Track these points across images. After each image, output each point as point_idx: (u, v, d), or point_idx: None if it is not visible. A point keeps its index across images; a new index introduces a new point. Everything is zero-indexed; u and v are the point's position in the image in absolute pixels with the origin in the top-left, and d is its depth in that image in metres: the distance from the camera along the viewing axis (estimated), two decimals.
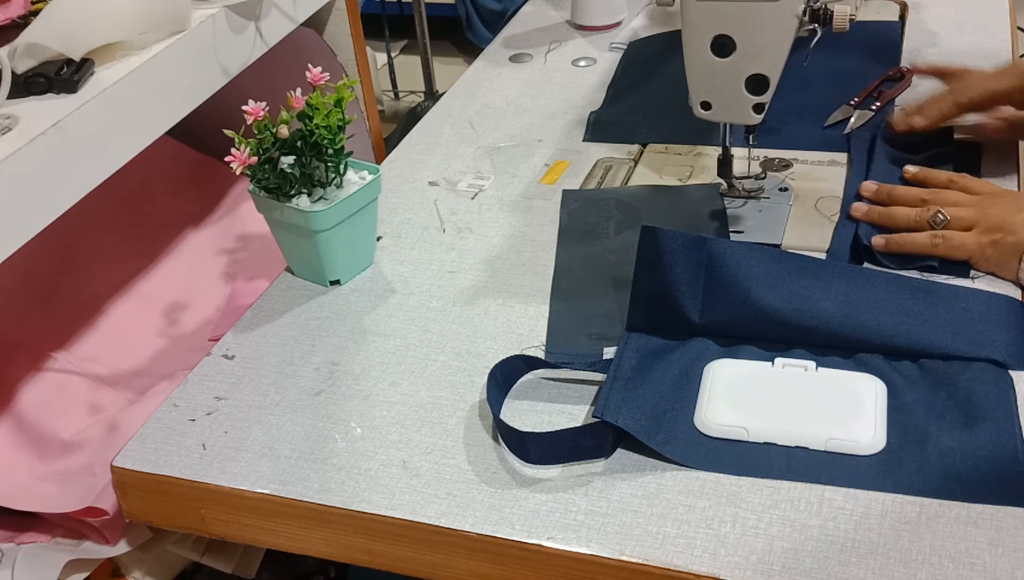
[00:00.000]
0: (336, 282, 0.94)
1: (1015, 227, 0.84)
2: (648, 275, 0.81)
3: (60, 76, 0.81)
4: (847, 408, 0.73)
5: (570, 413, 0.77)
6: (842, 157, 1.03)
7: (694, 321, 0.80)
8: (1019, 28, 1.31)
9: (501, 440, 0.75)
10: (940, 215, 0.87)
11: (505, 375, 0.80)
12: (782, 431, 0.72)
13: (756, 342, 0.80)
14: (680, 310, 0.80)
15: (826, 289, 0.81)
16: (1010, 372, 0.75)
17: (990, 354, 0.76)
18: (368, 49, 1.30)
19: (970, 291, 0.82)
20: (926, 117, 1.00)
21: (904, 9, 1.30)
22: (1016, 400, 0.72)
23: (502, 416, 0.77)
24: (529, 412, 0.78)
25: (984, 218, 0.86)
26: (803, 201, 0.97)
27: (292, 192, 0.88)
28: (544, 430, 0.74)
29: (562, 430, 0.73)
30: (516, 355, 0.81)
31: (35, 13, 0.86)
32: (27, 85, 0.81)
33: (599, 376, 0.79)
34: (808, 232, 0.93)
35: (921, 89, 1.14)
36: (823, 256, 0.89)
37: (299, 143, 0.87)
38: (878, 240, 0.88)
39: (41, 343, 0.98)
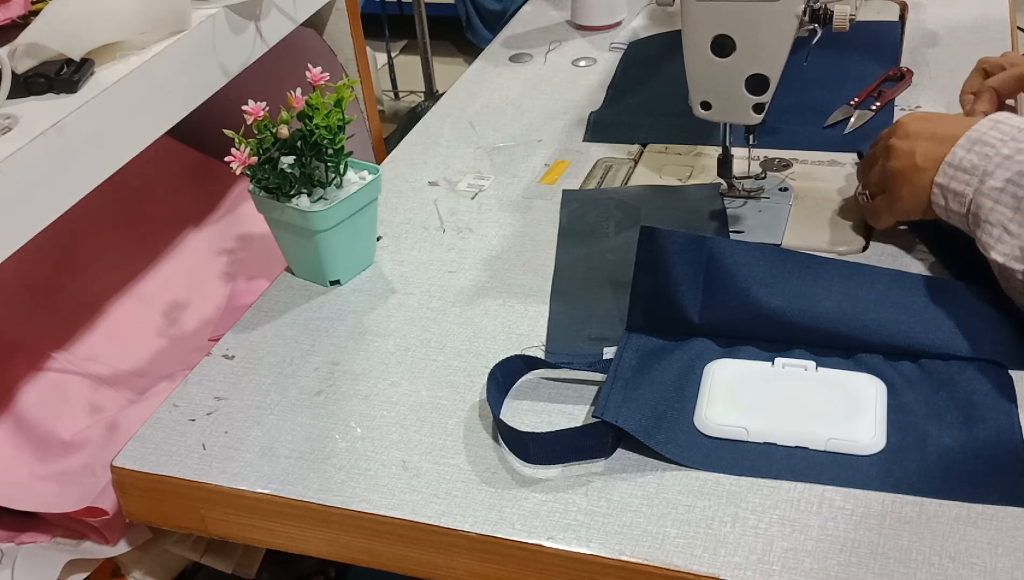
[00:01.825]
0: (336, 282, 0.94)
1: (898, 180, 0.84)
2: (648, 275, 0.81)
3: (60, 76, 0.81)
4: (847, 408, 0.73)
5: (570, 413, 0.77)
6: (842, 157, 1.03)
7: (694, 321, 0.80)
8: (1019, 28, 1.31)
9: (501, 440, 0.75)
10: (863, 193, 0.89)
11: (505, 375, 0.80)
12: (782, 431, 0.72)
13: (756, 342, 0.80)
14: (680, 310, 0.80)
15: (826, 288, 0.81)
16: (1010, 372, 0.75)
17: (990, 353, 0.76)
18: (368, 49, 1.30)
19: (971, 290, 0.82)
20: None
21: (904, 9, 1.30)
22: (1016, 400, 0.72)
23: (502, 416, 0.77)
24: (529, 412, 0.78)
25: (883, 177, 0.87)
26: (803, 201, 0.97)
27: (292, 192, 0.88)
28: (544, 430, 0.74)
29: (562, 430, 0.73)
30: (516, 355, 0.81)
31: (35, 13, 0.86)
32: (27, 85, 0.81)
33: (599, 376, 0.79)
34: (808, 232, 0.93)
35: (921, 88, 1.14)
36: (823, 256, 0.89)
37: (299, 143, 0.87)
38: None
39: (41, 343, 0.98)
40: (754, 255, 0.81)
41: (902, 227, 0.90)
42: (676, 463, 0.71)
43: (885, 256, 0.89)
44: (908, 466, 0.69)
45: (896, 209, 0.86)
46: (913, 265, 0.87)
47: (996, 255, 0.76)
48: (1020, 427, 0.70)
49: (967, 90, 1.01)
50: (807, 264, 0.82)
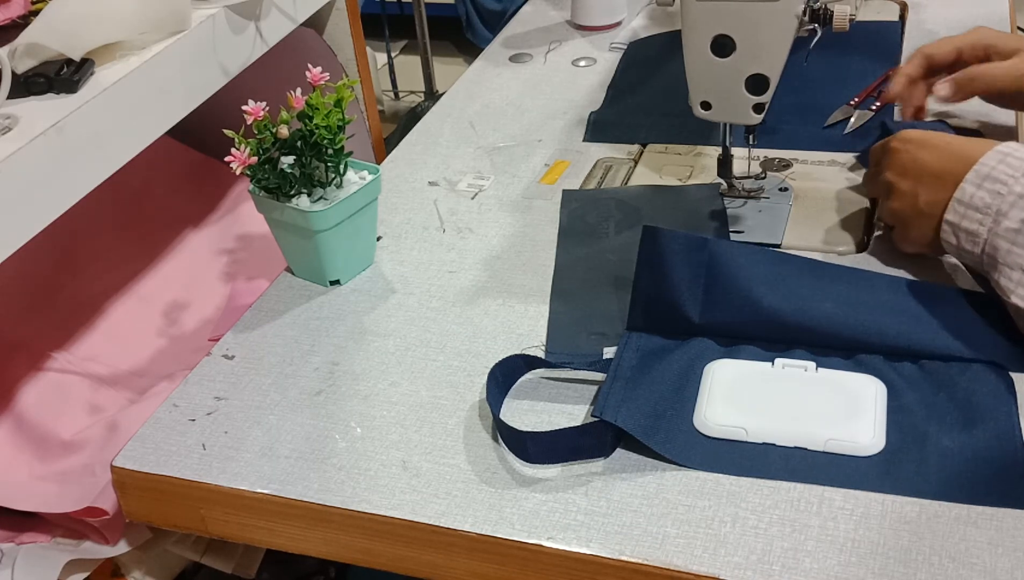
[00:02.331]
0: (336, 282, 0.94)
1: (904, 223, 0.84)
2: (649, 275, 0.81)
3: (60, 76, 0.81)
4: (847, 409, 0.73)
5: (570, 413, 0.77)
6: (842, 157, 1.03)
7: (694, 321, 0.80)
8: (1019, 28, 1.31)
9: (501, 440, 0.75)
10: (878, 220, 0.89)
11: (505, 375, 0.80)
12: (781, 431, 0.72)
13: (756, 342, 0.80)
14: (680, 310, 0.80)
15: (827, 290, 0.81)
16: (1010, 373, 0.75)
17: (991, 355, 0.76)
18: (368, 49, 1.30)
19: (971, 292, 0.82)
20: None
21: (904, 9, 1.30)
22: (1016, 401, 0.72)
23: (502, 416, 0.77)
24: (529, 412, 0.78)
25: (888, 214, 0.87)
26: (803, 201, 0.97)
27: (292, 192, 0.88)
28: (544, 430, 0.74)
29: (562, 430, 0.73)
30: (516, 355, 0.81)
31: (35, 13, 0.86)
32: (27, 85, 0.81)
33: (599, 376, 0.79)
34: (808, 232, 0.93)
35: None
36: (823, 257, 0.89)
37: (299, 143, 0.87)
38: None
39: (41, 343, 0.98)
40: (755, 257, 0.82)
41: None
42: (676, 463, 0.71)
43: (885, 256, 0.89)
44: (907, 467, 0.69)
45: (910, 247, 0.86)
46: (914, 266, 0.87)
47: (1017, 299, 0.74)
48: (1020, 429, 0.70)
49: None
50: (808, 267, 0.83)
